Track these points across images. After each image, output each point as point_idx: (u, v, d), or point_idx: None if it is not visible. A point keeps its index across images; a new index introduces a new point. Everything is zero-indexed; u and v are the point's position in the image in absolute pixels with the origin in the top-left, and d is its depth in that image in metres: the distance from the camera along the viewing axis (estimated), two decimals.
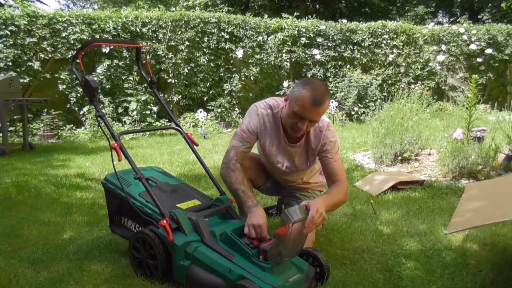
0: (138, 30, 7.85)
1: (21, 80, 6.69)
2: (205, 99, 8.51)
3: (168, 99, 8.20)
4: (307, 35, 9.18)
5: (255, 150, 2.47)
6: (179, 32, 8.19)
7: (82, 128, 7.36)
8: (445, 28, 10.36)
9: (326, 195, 1.92)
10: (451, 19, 17.98)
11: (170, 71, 8.19)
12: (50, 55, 7.30)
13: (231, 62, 8.73)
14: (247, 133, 2.09)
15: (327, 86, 1.98)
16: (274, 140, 2.11)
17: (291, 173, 2.24)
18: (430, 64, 10.07)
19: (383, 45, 9.77)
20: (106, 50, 7.61)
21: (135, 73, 7.70)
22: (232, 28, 8.56)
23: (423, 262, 2.05)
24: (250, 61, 8.78)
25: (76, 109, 7.52)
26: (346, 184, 2.01)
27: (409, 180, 3.43)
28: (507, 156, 3.57)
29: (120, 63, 7.68)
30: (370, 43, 9.66)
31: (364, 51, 9.66)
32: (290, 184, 2.36)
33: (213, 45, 8.42)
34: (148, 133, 7.13)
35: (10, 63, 6.96)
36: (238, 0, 17.98)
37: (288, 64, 9.03)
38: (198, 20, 8.28)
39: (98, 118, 1.98)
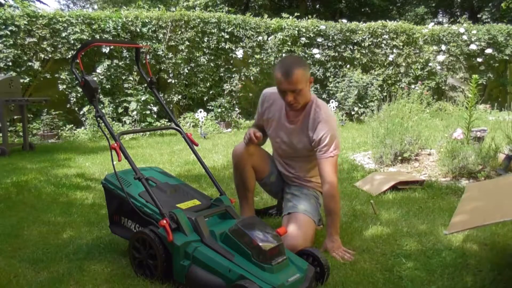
0: (138, 30, 7.85)
1: (21, 80, 6.70)
2: (205, 99, 8.51)
3: (168, 99, 8.20)
4: (307, 35, 9.18)
5: (266, 147, 2.50)
6: (179, 32, 8.19)
7: (82, 128, 7.36)
8: (445, 28, 10.36)
9: (330, 221, 2.14)
10: (451, 19, 17.98)
11: (170, 71, 8.19)
12: (50, 55, 7.30)
13: (231, 62, 8.73)
14: (257, 114, 2.46)
15: (301, 60, 2.14)
16: (275, 115, 2.31)
17: (291, 156, 2.33)
18: (430, 64, 10.06)
19: (383, 45, 9.77)
20: (106, 50, 7.62)
21: (135, 73, 7.70)
22: (232, 28, 8.56)
23: (423, 262, 2.05)
24: (250, 61, 8.78)
25: (76, 109, 7.52)
26: (331, 185, 2.12)
27: (409, 180, 3.43)
28: (507, 156, 3.56)
29: (120, 63, 7.68)
30: (370, 43, 9.65)
31: (364, 51, 9.65)
32: (293, 178, 2.39)
33: (213, 45, 8.42)
34: (148, 133, 7.13)
35: (10, 63, 6.97)
36: (238, 0, 18.00)
37: None
38: (198, 20, 8.28)
39: (98, 118, 1.98)
